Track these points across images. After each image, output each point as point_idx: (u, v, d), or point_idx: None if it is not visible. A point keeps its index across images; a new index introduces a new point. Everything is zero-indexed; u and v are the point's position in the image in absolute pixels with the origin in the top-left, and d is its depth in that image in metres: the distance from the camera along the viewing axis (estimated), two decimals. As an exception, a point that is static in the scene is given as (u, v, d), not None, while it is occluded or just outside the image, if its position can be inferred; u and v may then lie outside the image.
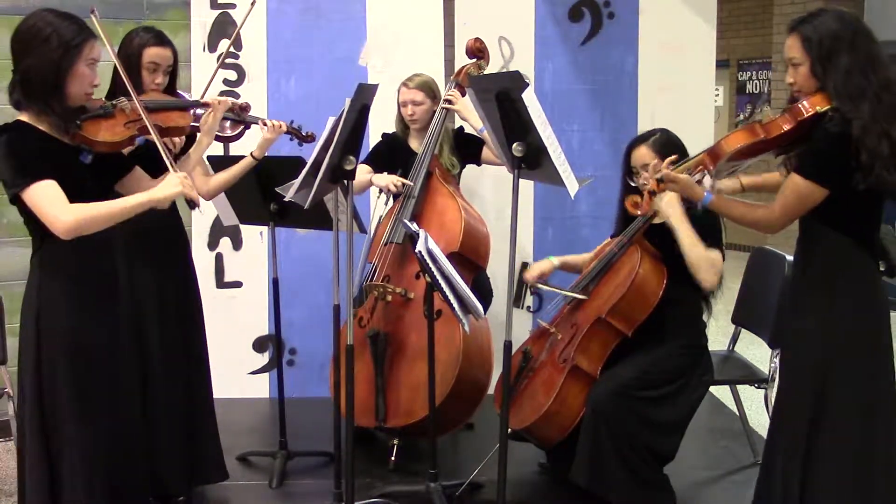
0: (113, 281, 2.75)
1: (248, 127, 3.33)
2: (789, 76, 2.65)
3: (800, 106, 2.59)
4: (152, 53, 3.18)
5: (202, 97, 3.33)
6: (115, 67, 3.14)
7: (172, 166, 2.65)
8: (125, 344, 2.78)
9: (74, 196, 2.50)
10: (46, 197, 2.45)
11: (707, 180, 2.85)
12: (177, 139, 3.18)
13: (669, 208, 3.21)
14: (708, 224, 3.27)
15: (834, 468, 2.65)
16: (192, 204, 2.60)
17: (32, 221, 2.55)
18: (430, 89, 4.05)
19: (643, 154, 3.35)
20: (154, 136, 2.67)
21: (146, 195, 2.57)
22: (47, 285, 2.58)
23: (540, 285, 3.60)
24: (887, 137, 2.47)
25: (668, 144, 3.32)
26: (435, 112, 4.00)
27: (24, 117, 2.55)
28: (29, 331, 2.59)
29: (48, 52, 2.48)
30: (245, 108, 3.30)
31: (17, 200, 2.51)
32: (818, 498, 2.66)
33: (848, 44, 2.54)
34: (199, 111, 3.08)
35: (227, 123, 3.30)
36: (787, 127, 2.59)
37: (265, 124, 3.36)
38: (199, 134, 3.07)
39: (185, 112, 3.00)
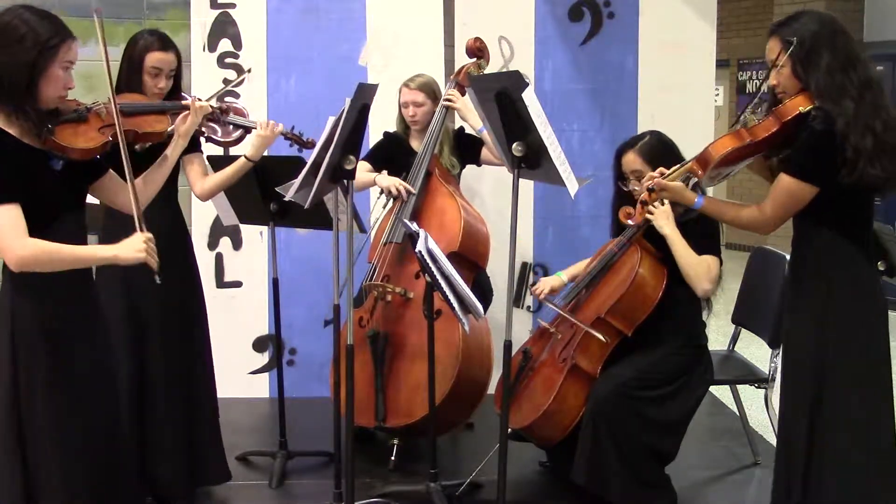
0: (91, 294, 2.63)
1: (248, 131, 3.30)
2: (772, 78, 2.68)
3: (783, 107, 2.61)
4: (154, 58, 3.16)
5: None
6: (121, 64, 3.14)
7: (140, 222, 2.50)
8: (111, 358, 2.69)
9: (45, 204, 2.42)
10: (4, 225, 2.35)
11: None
12: None
13: (664, 222, 3.26)
14: (706, 229, 3.29)
15: (835, 466, 2.64)
16: (154, 273, 2.49)
17: None
18: (431, 90, 4.05)
19: (631, 160, 3.37)
20: (122, 145, 2.52)
21: (111, 251, 2.47)
22: (20, 303, 2.47)
23: (549, 304, 3.59)
24: (871, 132, 2.50)
25: (656, 148, 3.33)
26: (435, 113, 4.01)
27: None
28: (4, 347, 2.46)
29: (22, 52, 2.34)
30: (226, 110, 3.23)
31: None
32: (821, 497, 2.65)
33: (828, 43, 2.57)
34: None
35: (230, 128, 3.25)
36: (772, 129, 2.61)
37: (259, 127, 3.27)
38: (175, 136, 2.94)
39: (162, 115, 2.94)
